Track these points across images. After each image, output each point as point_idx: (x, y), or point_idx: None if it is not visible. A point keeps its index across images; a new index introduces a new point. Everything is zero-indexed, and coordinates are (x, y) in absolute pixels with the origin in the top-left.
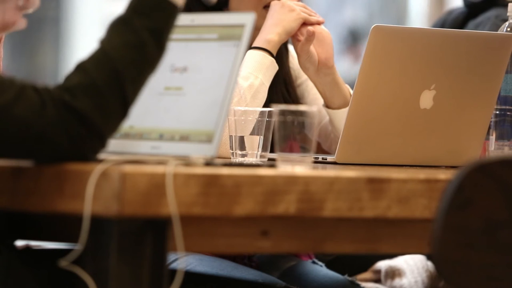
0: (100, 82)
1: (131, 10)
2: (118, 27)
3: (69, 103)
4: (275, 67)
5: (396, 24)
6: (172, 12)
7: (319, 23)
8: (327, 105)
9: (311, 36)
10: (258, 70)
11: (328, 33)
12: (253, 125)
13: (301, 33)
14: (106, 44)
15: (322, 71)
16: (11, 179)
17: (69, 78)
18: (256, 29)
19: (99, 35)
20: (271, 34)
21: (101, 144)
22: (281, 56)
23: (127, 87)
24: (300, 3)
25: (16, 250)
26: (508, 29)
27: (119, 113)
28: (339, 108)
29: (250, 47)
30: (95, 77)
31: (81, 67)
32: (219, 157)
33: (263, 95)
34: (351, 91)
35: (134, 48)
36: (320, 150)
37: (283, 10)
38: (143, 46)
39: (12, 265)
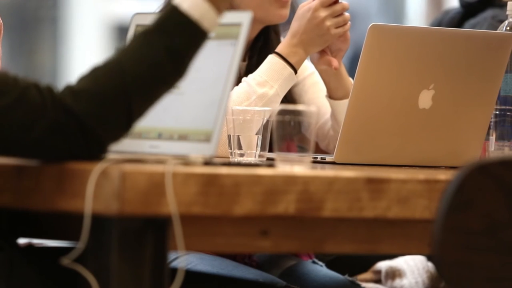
0: (107, 92)
1: (155, 25)
2: (138, 40)
3: (69, 107)
4: (293, 79)
5: (393, 23)
6: (197, 37)
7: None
8: (330, 96)
9: (331, 67)
10: (275, 79)
11: None
12: (251, 125)
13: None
14: (123, 55)
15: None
16: (13, 178)
17: (80, 80)
18: (260, 22)
19: (96, 35)
20: (301, 50)
21: (99, 150)
22: None
23: (133, 102)
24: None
25: (18, 248)
26: (508, 28)
27: (121, 126)
28: (341, 99)
29: (273, 51)
30: (103, 86)
31: (94, 72)
32: (217, 157)
33: (275, 106)
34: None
35: (148, 64)
36: (317, 149)
37: (319, 30)
38: (158, 64)
39: (14, 262)
